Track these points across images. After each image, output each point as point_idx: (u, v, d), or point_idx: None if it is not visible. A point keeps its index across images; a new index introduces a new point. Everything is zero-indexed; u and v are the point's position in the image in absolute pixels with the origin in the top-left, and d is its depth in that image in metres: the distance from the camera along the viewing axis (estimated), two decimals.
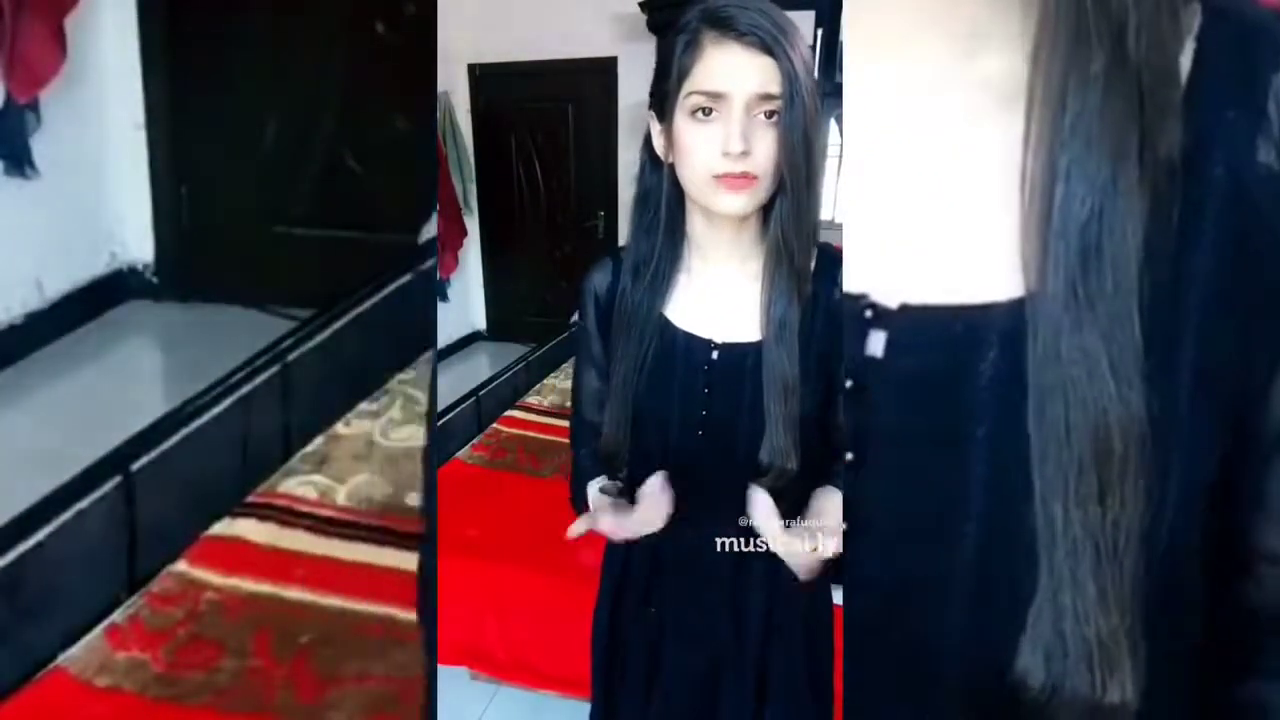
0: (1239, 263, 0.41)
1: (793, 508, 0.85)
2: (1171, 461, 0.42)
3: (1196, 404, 0.42)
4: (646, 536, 0.89)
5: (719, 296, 0.83)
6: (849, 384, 0.51)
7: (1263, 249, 0.41)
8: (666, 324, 0.84)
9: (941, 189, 0.46)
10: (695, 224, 0.82)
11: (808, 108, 0.70)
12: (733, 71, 0.71)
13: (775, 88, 0.70)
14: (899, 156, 0.48)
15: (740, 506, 0.82)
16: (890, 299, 0.47)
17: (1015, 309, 0.43)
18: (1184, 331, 0.42)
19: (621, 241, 0.89)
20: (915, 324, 0.46)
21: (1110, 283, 0.40)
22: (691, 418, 0.83)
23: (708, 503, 0.85)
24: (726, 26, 0.70)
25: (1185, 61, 0.41)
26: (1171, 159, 0.40)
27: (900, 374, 0.47)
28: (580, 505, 0.95)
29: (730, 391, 0.81)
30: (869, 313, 0.49)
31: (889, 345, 0.47)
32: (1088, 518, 0.41)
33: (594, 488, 0.92)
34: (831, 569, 0.87)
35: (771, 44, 0.69)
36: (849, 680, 0.52)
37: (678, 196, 0.80)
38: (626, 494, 0.92)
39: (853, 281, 0.50)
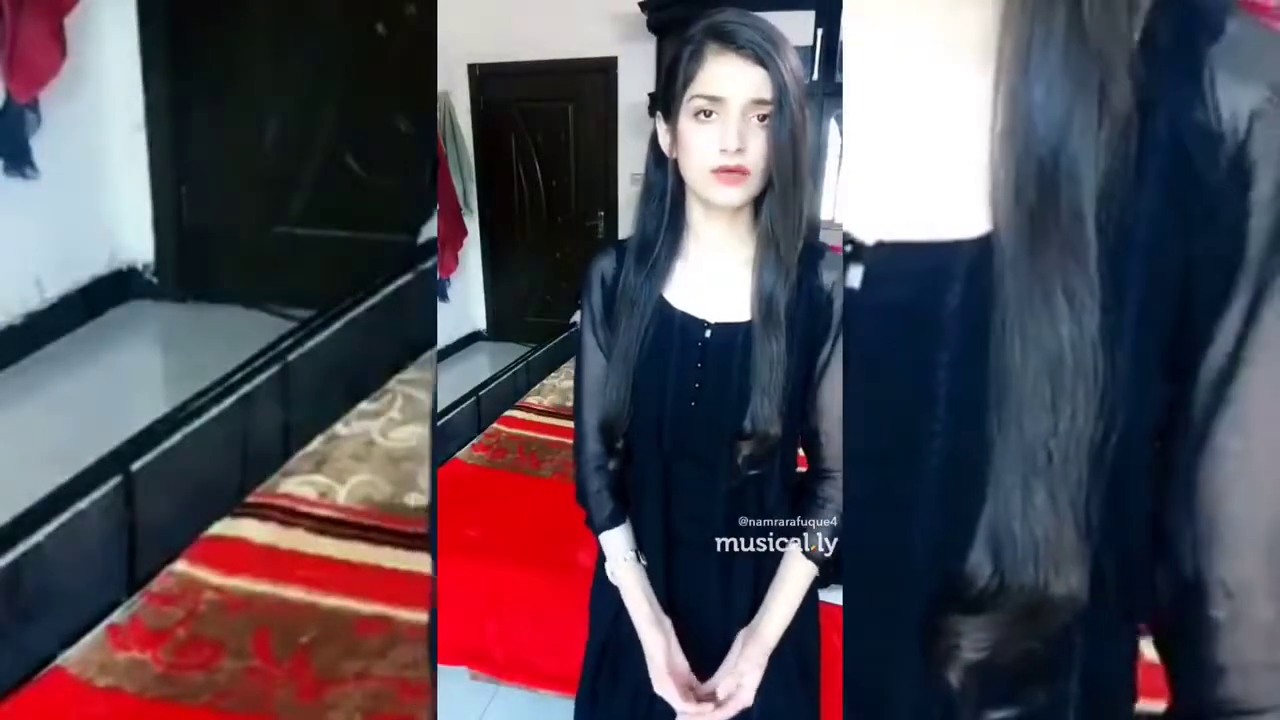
0: (1177, 207, 0.46)
1: (776, 503, 0.90)
2: (1120, 385, 0.46)
3: (1140, 337, 0.46)
4: (648, 524, 0.96)
5: (714, 281, 0.90)
6: None
7: (1195, 195, 0.46)
8: (665, 305, 0.91)
9: (914, 135, 0.51)
10: (695, 214, 0.89)
11: (795, 113, 0.79)
12: (731, 80, 0.79)
13: (767, 95, 0.78)
14: (879, 113, 0.52)
15: (728, 469, 0.88)
16: (867, 235, 0.51)
17: (982, 244, 0.48)
18: (1131, 266, 0.46)
19: (623, 237, 0.96)
20: (890, 259, 0.51)
21: (1066, 215, 0.45)
22: (686, 390, 0.89)
23: (699, 468, 0.91)
24: (727, 40, 0.79)
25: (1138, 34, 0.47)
26: (1125, 112, 0.45)
27: (875, 305, 0.51)
28: (600, 531, 0.98)
29: (722, 366, 0.88)
30: (848, 248, 0.53)
31: (865, 278, 0.52)
32: (1039, 426, 0.46)
33: (621, 558, 0.96)
34: (830, 569, 0.89)
35: (765, 57, 0.78)
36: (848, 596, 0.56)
37: (679, 189, 0.88)
38: (621, 464, 0.97)
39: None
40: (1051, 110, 0.45)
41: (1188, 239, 0.46)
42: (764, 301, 0.85)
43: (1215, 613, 0.49)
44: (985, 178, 0.47)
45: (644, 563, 0.96)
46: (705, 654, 0.94)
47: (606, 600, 0.99)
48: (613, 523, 0.97)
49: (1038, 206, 0.45)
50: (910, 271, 0.50)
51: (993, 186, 0.47)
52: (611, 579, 0.97)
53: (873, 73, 0.52)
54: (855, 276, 0.52)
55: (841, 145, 3.24)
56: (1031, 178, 0.45)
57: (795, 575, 0.92)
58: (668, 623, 0.94)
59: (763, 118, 0.79)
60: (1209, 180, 0.45)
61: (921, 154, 0.50)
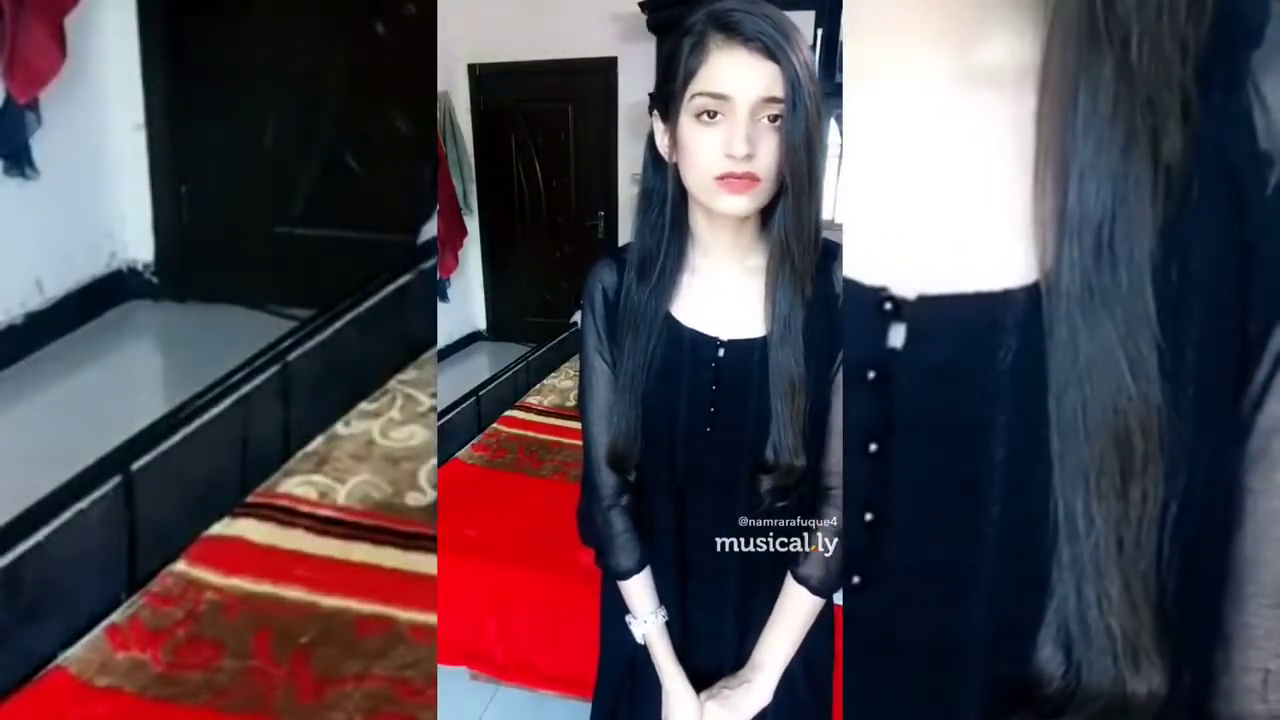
0: (1235, 240, 0.42)
1: (794, 507, 0.85)
2: (1191, 453, 0.42)
3: (1207, 394, 0.42)
4: (661, 556, 0.92)
5: (723, 294, 0.83)
6: (871, 375, 0.51)
7: (1250, 222, 0.42)
8: (673, 322, 0.84)
9: (949, 180, 0.47)
10: (698, 222, 0.82)
11: (810, 112, 0.71)
12: (738, 76, 0.71)
13: (779, 92, 0.70)
14: (903, 150, 0.48)
15: (748, 499, 0.83)
16: (908, 290, 0.48)
17: (1031, 294, 0.44)
18: (1194, 318, 0.42)
19: (623, 241, 0.90)
20: (934, 313, 0.47)
21: (1125, 282, 0.41)
22: (699, 414, 0.84)
23: (716, 496, 0.86)
24: (733, 31, 0.71)
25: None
26: (1179, 163, 0.41)
27: (921, 364, 0.47)
28: (624, 578, 0.94)
29: (738, 387, 0.82)
30: (888, 305, 0.49)
31: (909, 336, 0.48)
32: (1110, 511, 0.42)
33: (650, 613, 0.92)
34: (834, 573, 0.88)
35: (775, 49, 0.70)
36: (849, 672, 0.52)
37: (681, 195, 0.81)
38: (637, 500, 0.92)
39: (865, 273, 0.50)
40: (1103, 168, 0.41)
41: (1246, 273, 0.42)
42: (781, 319, 0.78)
43: (1218, 656, 0.46)
44: (1025, 224, 0.44)
45: (665, 616, 0.92)
46: (708, 679, 0.92)
47: (624, 625, 0.95)
48: (639, 568, 0.91)
49: (1095, 275, 0.41)
50: (957, 326, 0.46)
51: (1039, 247, 0.43)
52: (639, 638, 0.93)
53: (873, 71, 0.49)
54: (898, 335, 0.48)
55: (841, 145, 3.23)
56: (1087, 243, 0.41)
57: (782, 632, 0.88)
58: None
59: (773, 118, 0.71)
60: (1262, 202, 0.42)
61: (953, 196, 0.46)
